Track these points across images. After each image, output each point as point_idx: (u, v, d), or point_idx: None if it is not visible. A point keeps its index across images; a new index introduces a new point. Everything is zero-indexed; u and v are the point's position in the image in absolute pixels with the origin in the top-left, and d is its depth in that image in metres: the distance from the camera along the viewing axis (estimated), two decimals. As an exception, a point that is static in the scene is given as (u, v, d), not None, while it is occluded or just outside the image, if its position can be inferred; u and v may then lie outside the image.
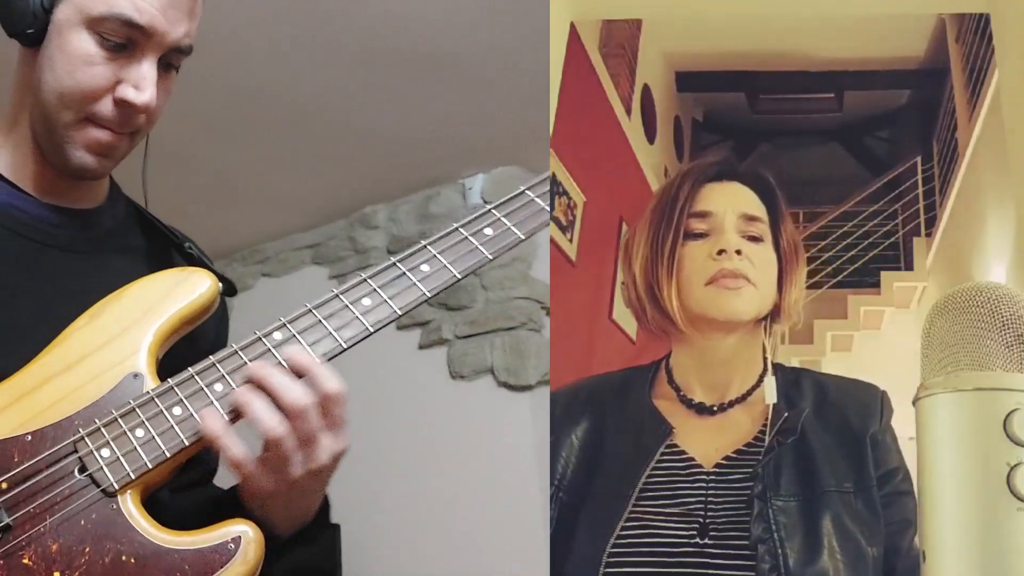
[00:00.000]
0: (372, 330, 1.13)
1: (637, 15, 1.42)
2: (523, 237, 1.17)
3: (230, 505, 1.11)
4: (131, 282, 1.18)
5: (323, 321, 1.13)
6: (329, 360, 1.12)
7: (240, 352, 1.11)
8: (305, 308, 1.14)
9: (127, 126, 1.20)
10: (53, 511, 1.03)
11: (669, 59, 1.48)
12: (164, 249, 1.31)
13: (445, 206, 3.95)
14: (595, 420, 1.24)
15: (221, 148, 3.33)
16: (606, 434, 1.22)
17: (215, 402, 1.08)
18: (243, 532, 1.05)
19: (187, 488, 1.24)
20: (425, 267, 1.16)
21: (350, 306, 1.14)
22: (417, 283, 1.14)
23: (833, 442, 1.15)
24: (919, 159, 1.36)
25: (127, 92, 1.17)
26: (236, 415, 1.07)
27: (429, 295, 1.14)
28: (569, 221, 1.43)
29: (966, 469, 0.88)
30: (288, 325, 1.13)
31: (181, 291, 1.18)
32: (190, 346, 1.15)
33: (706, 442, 1.18)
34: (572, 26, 1.37)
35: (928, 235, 1.43)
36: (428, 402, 3.65)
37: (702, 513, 1.14)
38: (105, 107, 1.18)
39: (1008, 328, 0.90)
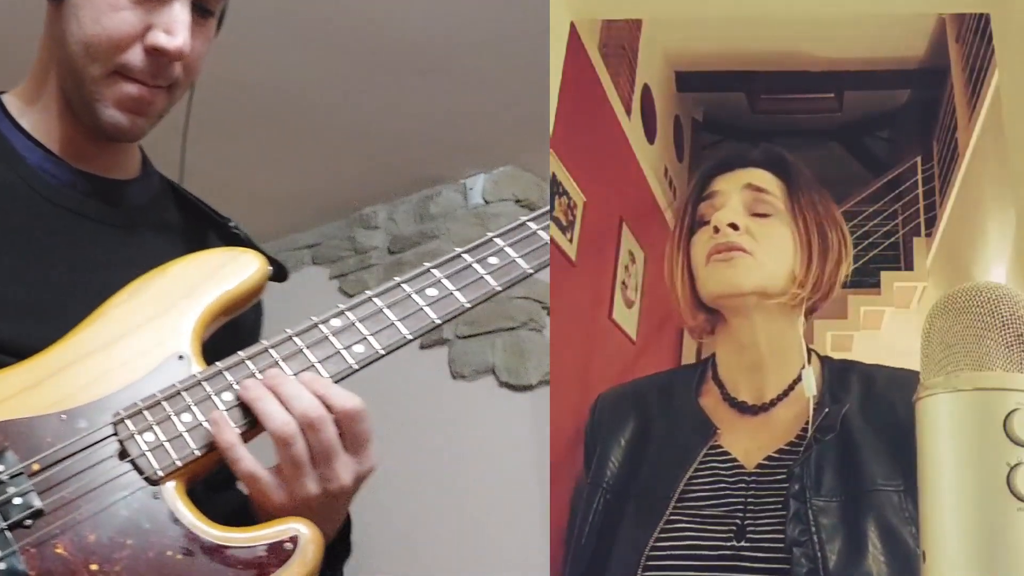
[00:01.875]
0: (439, 321, 1.07)
1: (637, 15, 1.42)
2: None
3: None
4: (171, 259, 1.10)
5: (385, 310, 1.06)
6: (371, 362, 1.05)
7: (295, 338, 1.04)
8: (365, 296, 1.07)
9: (161, 78, 1.12)
10: (90, 498, 0.93)
11: (669, 59, 1.48)
12: (201, 228, 1.23)
13: (444, 206, 3.95)
14: (642, 422, 1.20)
15: (220, 148, 3.33)
16: (652, 436, 1.19)
17: (222, 409, 1.00)
18: (300, 531, 0.96)
19: (223, 485, 1.14)
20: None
21: (415, 295, 1.08)
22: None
23: (879, 438, 1.10)
24: (919, 159, 1.36)
25: (158, 38, 1.09)
26: (249, 426, 0.99)
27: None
28: (569, 221, 1.43)
29: (966, 469, 0.88)
30: (348, 312, 1.06)
31: (228, 272, 1.10)
32: (230, 334, 1.08)
33: (749, 442, 1.15)
34: (572, 26, 1.37)
35: (928, 235, 1.43)
36: (429, 402, 3.65)
37: (741, 515, 1.10)
38: (135, 57, 1.10)
39: (1008, 328, 0.90)
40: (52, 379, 1.00)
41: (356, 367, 1.04)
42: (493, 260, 1.12)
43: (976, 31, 1.32)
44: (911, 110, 1.41)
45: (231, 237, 1.23)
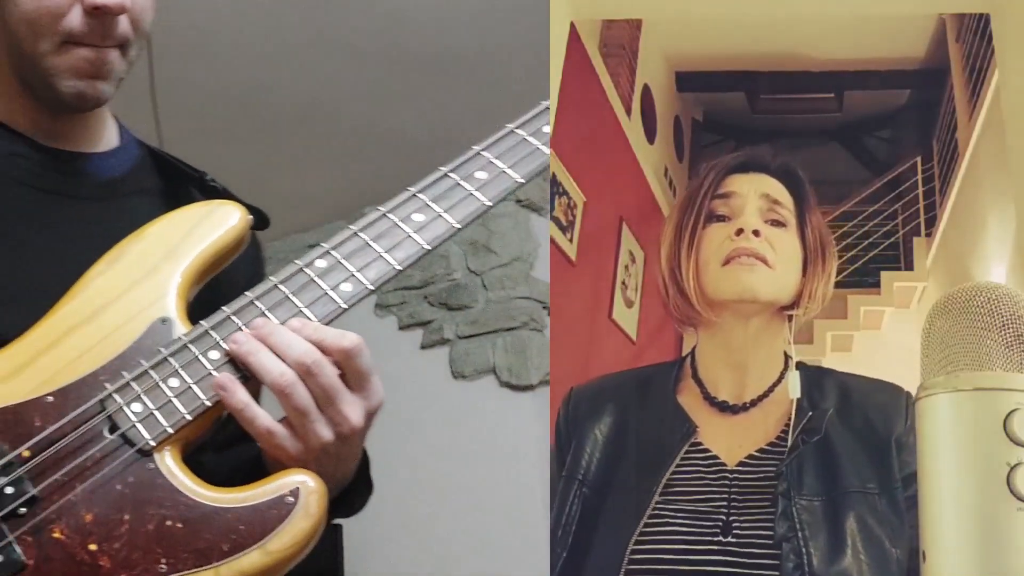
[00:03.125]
0: (428, 248, 1.04)
1: (637, 15, 1.41)
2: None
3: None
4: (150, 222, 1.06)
5: (371, 243, 1.03)
6: (376, 289, 1.02)
7: (280, 285, 1.01)
8: (350, 231, 1.04)
9: (109, 38, 1.09)
10: (84, 477, 0.92)
11: (669, 59, 1.48)
12: (183, 188, 1.20)
13: (446, 206, 3.95)
14: (619, 416, 1.21)
15: (221, 148, 3.33)
16: (630, 430, 1.20)
17: (210, 370, 0.96)
18: (302, 482, 0.93)
19: (228, 445, 1.12)
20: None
21: (400, 224, 1.05)
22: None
23: (857, 443, 1.13)
24: (919, 159, 1.36)
25: None
26: (243, 380, 0.97)
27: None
28: (569, 221, 1.42)
29: (966, 469, 0.88)
30: (332, 251, 1.03)
31: (207, 226, 1.06)
32: (220, 288, 1.04)
33: (730, 440, 1.16)
34: (572, 26, 1.37)
35: (928, 235, 1.43)
36: (430, 402, 3.65)
37: (725, 511, 1.12)
38: (76, 20, 1.08)
39: (1008, 328, 0.90)
40: (35, 362, 0.98)
41: (345, 306, 1.01)
42: (481, 175, 1.10)
43: (976, 31, 1.32)
44: (911, 110, 1.41)
45: (210, 191, 1.19)
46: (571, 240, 1.44)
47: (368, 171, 3.84)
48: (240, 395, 0.95)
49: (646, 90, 1.52)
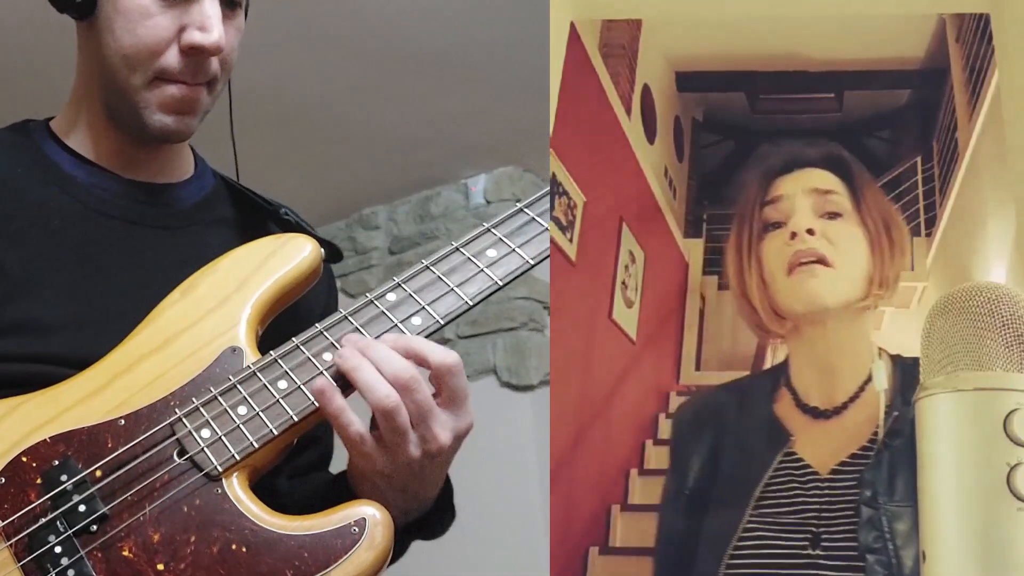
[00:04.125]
0: (501, 284, 1.06)
1: (637, 15, 1.41)
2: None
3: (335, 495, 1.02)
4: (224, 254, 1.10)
5: (443, 278, 1.05)
6: (452, 320, 1.04)
7: (350, 317, 1.03)
8: (422, 265, 1.06)
9: (200, 75, 1.14)
10: (152, 498, 0.95)
11: (669, 59, 1.48)
12: (258, 220, 1.23)
13: (445, 206, 3.95)
14: (719, 431, 1.20)
15: (220, 148, 3.33)
16: (729, 445, 1.19)
17: (323, 372, 0.99)
18: (368, 514, 0.95)
19: (305, 472, 1.16)
20: (492, 252, 1.09)
21: (473, 259, 1.07)
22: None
23: None
24: (919, 159, 1.36)
25: (193, 36, 1.11)
26: (343, 386, 0.99)
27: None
28: (569, 221, 1.42)
29: (966, 469, 0.88)
30: (403, 285, 1.05)
31: (279, 259, 1.09)
32: (296, 321, 1.07)
33: (822, 447, 1.14)
34: (572, 26, 1.37)
35: (928, 235, 1.43)
36: (429, 402, 3.65)
37: (816, 522, 1.09)
38: (172, 59, 1.12)
39: (1008, 328, 0.91)
40: (110, 386, 1.01)
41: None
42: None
43: (976, 31, 1.32)
44: (911, 110, 1.41)
45: (285, 224, 1.23)
46: (571, 240, 1.44)
47: (368, 171, 3.84)
48: (338, 401, 0.97)
49: (646, 90, 1.52)
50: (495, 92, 3.26)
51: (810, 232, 1.16)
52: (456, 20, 2.98)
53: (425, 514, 1.10)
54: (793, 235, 1.17)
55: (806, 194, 1.19)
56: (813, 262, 1.16)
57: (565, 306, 1.40)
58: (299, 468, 1.18)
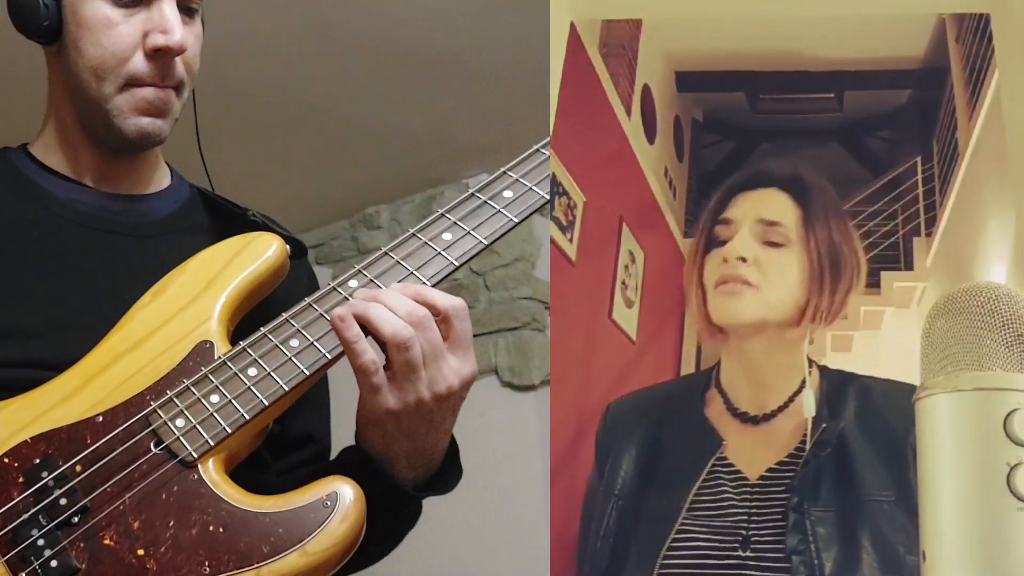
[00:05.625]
0: (457, 264, 1.09)
1: (637, 15, 1.42)
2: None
3: (341, 471, 1.04)
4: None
5: (401, 262, 1.08)
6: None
7: (313, 305, 1.07)
8: (381, 251, 1.10)
9: (168, 78, 1.18)
10: (131, 488, 0.99)
11: (669, 59, 1.48)
12: (231, 225, 1.27)
13: (447, 206, 3.95)
14: (652, 431, 1.23)
15: (221, 149, 3.33)
16: (661, 445, 1.22)
17: (324, 313, 1.02)
18: (339, 488, 0.99)
19: (292, 470, 1.20)
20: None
21: (430, 243, 1.10)
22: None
23: (874, 450, 1.13)
24: (919, 159, 1.36)
25: (156, 39, 1.16)
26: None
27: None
28: (569, 221, 1.42)
29: (966, 469, 0.88)
30: (363, 271, 1.08)
31: (245, 257, 1.13)
32: (271, 317, 1.10)
33: (752, 453, 1.18)
34: (572, 26, 1.37)
35: (928, 235, 1.43)
36: (431, 402, 3.65)
37: (745, 525, 1.13)
38: (139, 64, 1.17)
39: (1008, 328, 0.91)
40: (87, 386, 1.05)
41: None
42: (507, 193, 1.15)
43: (976, 31, 1.31)
44: (911, 110, 1.41)
45: (252, 225, 1.26)
46: (571, 240, 1.44)
47: (371, 171, 3.84)
48: (354, 328, 1.00)
49: (646, 90, 1.52)
50: (497, 92, 3.26)
51: (742, 259, 1.20)
52: (457, 20, 2.98)
53: (435, 472, 1.13)
54: (725, 260, 1.21)
55: (753, 222, 1.22)
56: (737, 284, 1.20)
57: (565, 306, 1.41)
58: (293, 464, 1.20)
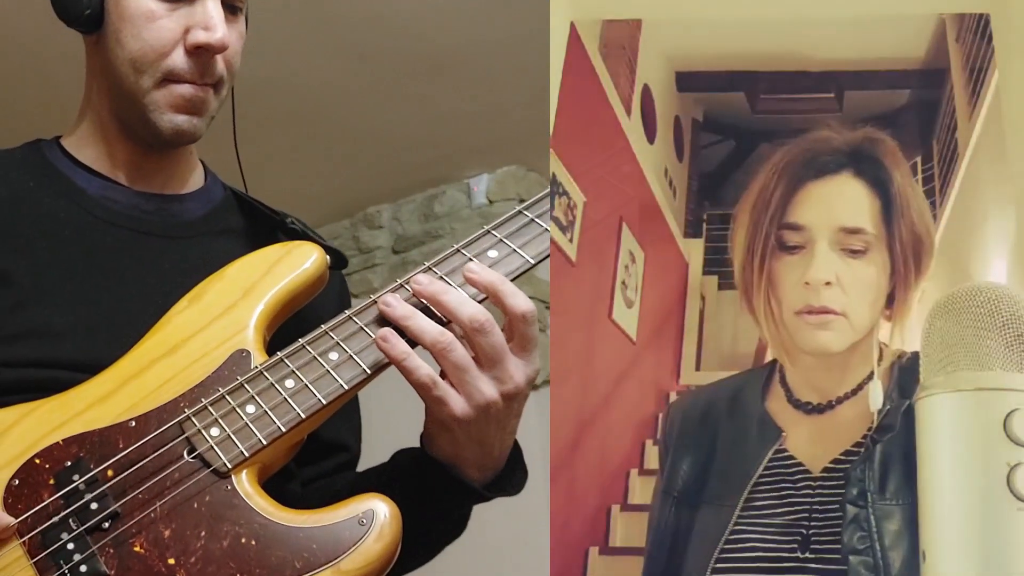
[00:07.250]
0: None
1: (637, 15, 1.42)
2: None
3: (375, 485, 1.03)
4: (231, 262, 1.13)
5: (445, 278, 1.07)
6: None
7: (353, 318, 1.05)
8: (424, 266, 1.08)
9: (208, 76, 1.17)
10: (163, 496, 0.97)
11: (669, 59, 1.48)
12: (267, 229, 1.26)
13: (448, 205, 3.95)
14: (711, 428, 1.17)
15: (222, 148, 3.34)
16: (720, 442, 1.16)
17: (367, 330, 1.01)
18: (374, 506, 0.97)
19: (323, 478, 1.19)
20: (493, 253, 1.11)
21: (474, 260, 1.09)
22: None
23: None
24: (919, 159, 1.36)
25: (198, 35, 1.14)
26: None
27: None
28: (569, 221, 1.42)
29: (966, 469, 0.88)
30: (405, 286, 1.06)
31: (284, 266, 1.11)
32: (306, 328, 1.08)
33: (815, 445, 1.10)
34: (572, 26, 1.37)
35: (928, 235, 1.43)
36: (432, 402, 3.64)
37: (806, 524, 1.06)
38: (179, 60, 1.15)
39: (1008, 328, 0.91)
40: (121, 390, 1.03)
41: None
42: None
43: (976, 31, 1.31)
44: (911, 110, 1.40)
45: (291, 232, 1.25)
46: (571, 240, 1.44)
47: (372, 170, 3.84)
48: (402, 346, 0.99)
49: (646, 90, 1.52)
50: (498, 92, 3.26)
51: (828, 284, 1.10)
52: (459, 20, 2.98)
53: (501, 472, 1.13)
54: (807, 284, 1.11)
55: (830, 231, 1.12)
56: (827, 315, 1.10)
57: (565, 306, 1.40)
58: (320, 472, 1.19)
